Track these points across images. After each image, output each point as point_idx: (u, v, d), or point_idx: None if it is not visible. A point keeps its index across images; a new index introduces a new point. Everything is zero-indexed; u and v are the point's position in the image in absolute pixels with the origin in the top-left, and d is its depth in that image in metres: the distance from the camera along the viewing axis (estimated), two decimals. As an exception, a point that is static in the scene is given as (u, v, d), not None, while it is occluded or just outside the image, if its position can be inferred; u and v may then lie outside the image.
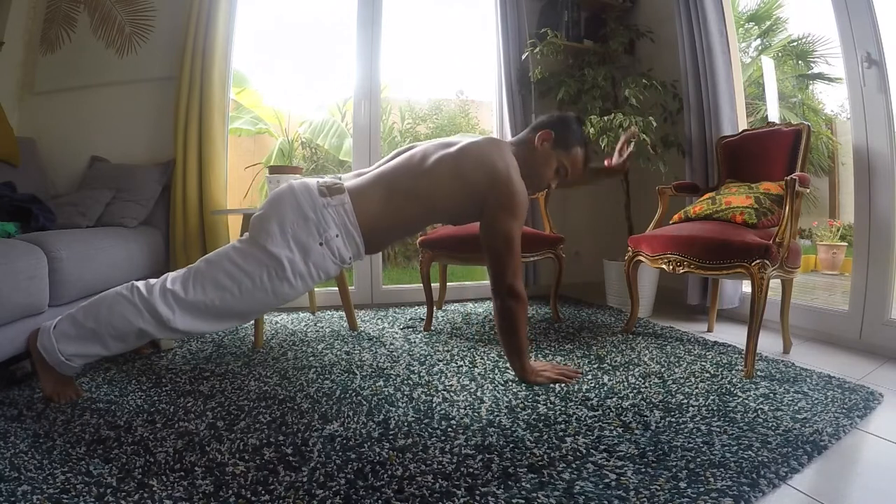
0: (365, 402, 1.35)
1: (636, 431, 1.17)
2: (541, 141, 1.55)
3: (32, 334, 1.32)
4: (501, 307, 1.45)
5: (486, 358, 1.73)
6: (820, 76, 6.19)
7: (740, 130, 2.22)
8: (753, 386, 1.46)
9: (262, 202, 1.45)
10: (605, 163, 1.86)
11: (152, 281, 1.31)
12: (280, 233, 1.29)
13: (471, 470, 1.00)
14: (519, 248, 1.45)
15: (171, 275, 1.32)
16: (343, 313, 2.37)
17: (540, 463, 1.03)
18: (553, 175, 1.59)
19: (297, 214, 1.31)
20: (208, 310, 1.27)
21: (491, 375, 1.56)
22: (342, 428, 1.19)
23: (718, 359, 1.72)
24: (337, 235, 1.33)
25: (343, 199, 1.35)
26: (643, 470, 1.00)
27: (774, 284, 1.77)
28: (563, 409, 1.30)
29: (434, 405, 1.33)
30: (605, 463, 1.03)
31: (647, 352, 1.81)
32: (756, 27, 6.36)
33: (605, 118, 2.33)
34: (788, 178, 1.62)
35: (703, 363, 1.67)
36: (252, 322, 2.20)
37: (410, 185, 1.42)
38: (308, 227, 1.30)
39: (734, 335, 2.07)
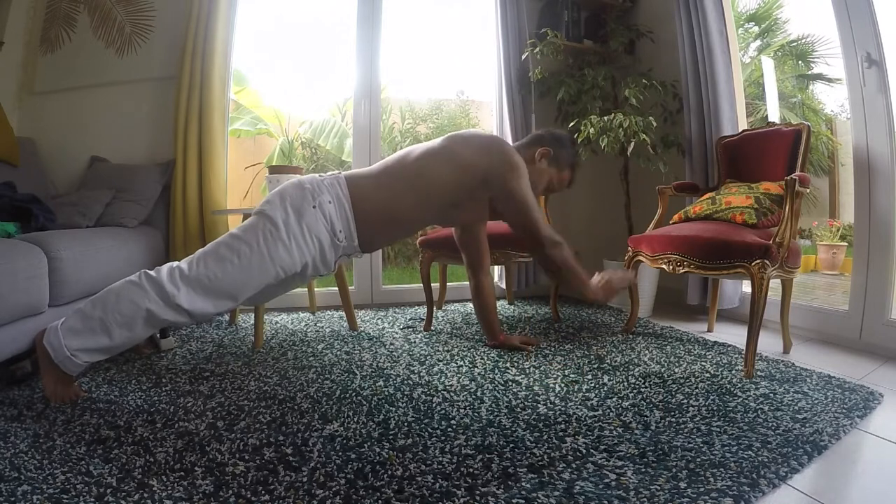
0: (365, 402, 1.35)
1: (636, 431, 1.17)
2: (540, 157, 1.67)
3: (39, 333, 1.32)
4: (549, 258, 1.54)
5: (486, 358, 1.73)
6: (820, 76, 6.20)
7: (740, 130, 2.21)
8: (753, 386, 1.46)
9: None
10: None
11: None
12: (279, 201, 1.39)
13: (471, 470, 1.00)
14: (536, 204, 1.55)
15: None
16: (343, 313, 2.37)
17: (540, 463, 1.03)
18: (543, 188, 1.72)
19: (296, 188, 1.42)
20: (211, 283, 1.30)
21: (491, 375, 1.56)
22: (342, 428, 1.19)
23: (718, 359, 1.72)
24: (330, 202, 1.41)
25: (338, 175, 1.48)
26: (643, 470, 1.00)
27: (774, 284, 1.77)
28: (563, 409, 1.30)
29: (434, 405, 1.33)
30: (605, 463, 1.03)
31: (647, 352, 1.81)
32: (756, 27, 6.36)
33: (605, 118, 2.33)
34: (788, 178, 1.62)
35: (703, 363, 1.67)
36: (253, 322, 2.21)
37: (402, 172, 1.51)
38: (304, 194, 1.40)
39: (734, 335, 2.07)
